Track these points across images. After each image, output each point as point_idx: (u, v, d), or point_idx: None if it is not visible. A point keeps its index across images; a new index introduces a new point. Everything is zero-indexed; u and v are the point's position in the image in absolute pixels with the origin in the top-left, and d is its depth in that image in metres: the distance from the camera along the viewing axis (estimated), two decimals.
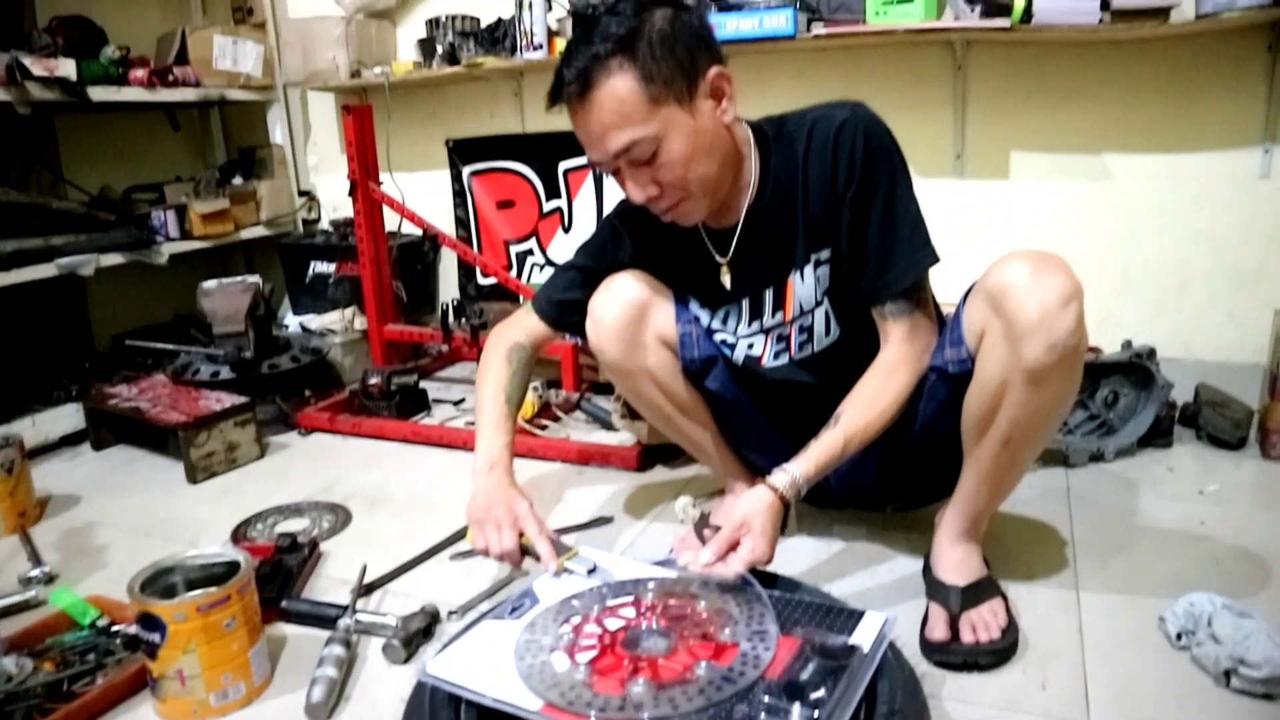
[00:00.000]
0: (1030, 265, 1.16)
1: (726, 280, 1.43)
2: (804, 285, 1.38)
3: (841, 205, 1.30)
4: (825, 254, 1.36)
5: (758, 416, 1.54)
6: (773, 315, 1.43)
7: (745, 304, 1.44)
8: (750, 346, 1.46)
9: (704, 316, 1.49)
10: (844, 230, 1.31)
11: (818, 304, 1.39)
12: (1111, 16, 1.97)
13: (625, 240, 1.50)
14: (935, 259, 1.32)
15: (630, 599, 1.21)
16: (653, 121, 1.21)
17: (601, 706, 0.98)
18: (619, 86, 1.19)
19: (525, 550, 1.36)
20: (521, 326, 1.58)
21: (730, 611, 1.16)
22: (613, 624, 1.16)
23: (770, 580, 1.28)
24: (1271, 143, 2.13)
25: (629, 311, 1.45)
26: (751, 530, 1.23)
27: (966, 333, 1.26)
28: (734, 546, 1.23)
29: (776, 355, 1.45)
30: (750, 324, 1.45)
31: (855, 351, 1.38)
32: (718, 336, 1.49)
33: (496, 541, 1.35)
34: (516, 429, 1.54)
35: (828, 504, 1.70)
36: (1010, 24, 2.04)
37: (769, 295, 1.42)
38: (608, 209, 2.82)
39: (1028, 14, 2.02)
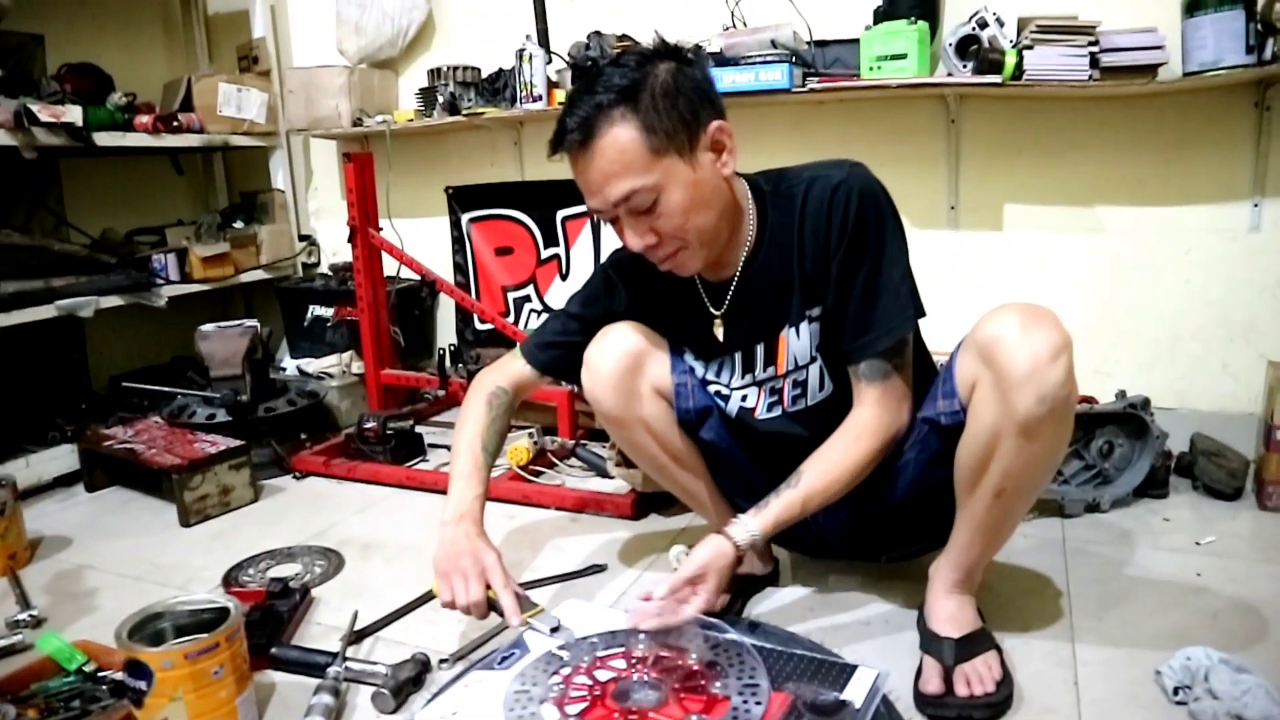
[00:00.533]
0: (1020, 318, 1.17)
1: (719, 333, 1.44)
2: (798, 341, 1.39)
3: (830, 264, 1.32)
4: (817, 311, 1.37)
5: (751, 467, 1.54)
6: (764, 369, 1.43)
7: (738, 357, 1.45)
8: (744, 398, 1.47)
9: (698, 367, 1.50)
10: (831, 289, 1.34)
11: (811, 360, 1.40)
12: (1100, 74, 2.01)
13: (619, 290, 1.51)
14: (912, 325, 1.33)
15: (620, 650, 1.20)
16: (653, 172, 1.23)
17: None
18: (621, 136, 1.21)
19: (491, 604, 1.34)
20: (505, 372, 1.58)
21: (720, 664, 1.15)
22: (603, 675, 1.15)
23: (756, 627, 1.28)
24: (1261, 196, 2.16)
25: (625, 361, 1.45)
26: (706, 582, 1.28)
27: (958, 384, 1.27)
28: (688, 598, 1.28)
29: (770, 408, 1.46)
30: (743, 376, 1.46)
31: (848, 406, 1.38)
32: (712, 387, 1.49)
33: (463, 593, 1.33)
34: (491, 480, 1.53)
35: (823, 554, 1.70)
36: (1002, 80, 2.08)
37: (760, 350, 1.43)
38: (605, 256, 2.86)
39: (1019, 70, 2.06)
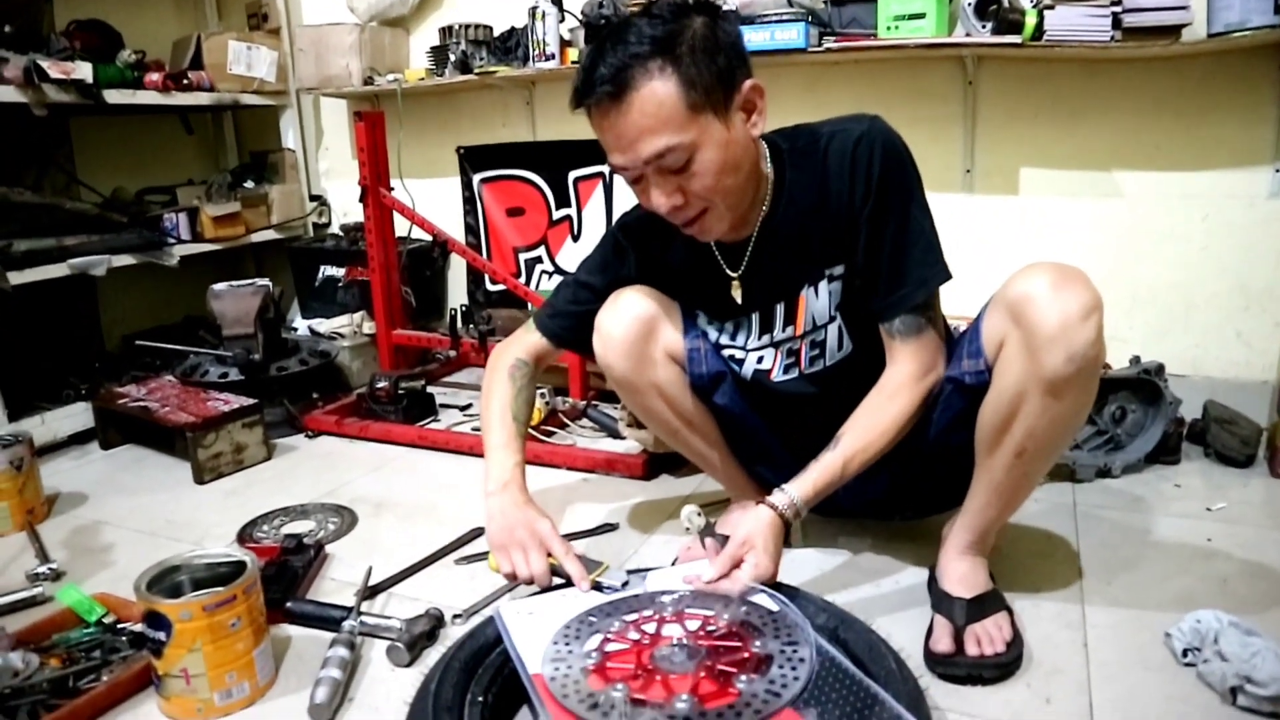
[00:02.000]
0: (1051, 277, 1.16)
1: (737, 295, 1.43)
2: (817, 301, 1.38)
3: (858, 221, 1.30)
4: (839, 269, 1.36)
5: (765, 432, 1.54)
6: (783, 329, 1.42)
7: (755, 318, 1.44)
8: (760, 360, 1.46)
9: (711, 331, 1.49)
10: (860, 247, 1.31)
11: (830, 319, 1.39)
12: (1123, 34, 1.98)
13: (630, 255, 1.50)
14: (947, 275, 1.32)
15: (652, 613, 1.21)
16: (690, 129, 1.18)
17: None
18: (659, 90, 1.16)
19: (555, 571, 1.35)
20: (522, 344, 1.57)
21: (754, 624, 1.16)
22: (639, 638, 1.15)
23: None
24: None
25: (637, 327, 1.44)
26: (754, 548, 1.24)
27: (985, 343, 1.26)
28: (738, 564, 1.24)
29: (786, 369, 1.45)
30: (760, 337, 1.45)
31: (866, 366, 1.38)
32: (726, 351, 1.49)
33: (524, 565, 1.34)
34: (526, 443, 1.53)
35: (836, 513, 1.70)
36: (1021, 40, 2.04)
37: (780, 309, 1.41)
38: (617, 217, 2.85)
39: (1039, 31, 2.02)
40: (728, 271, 1.42)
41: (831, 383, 1.42)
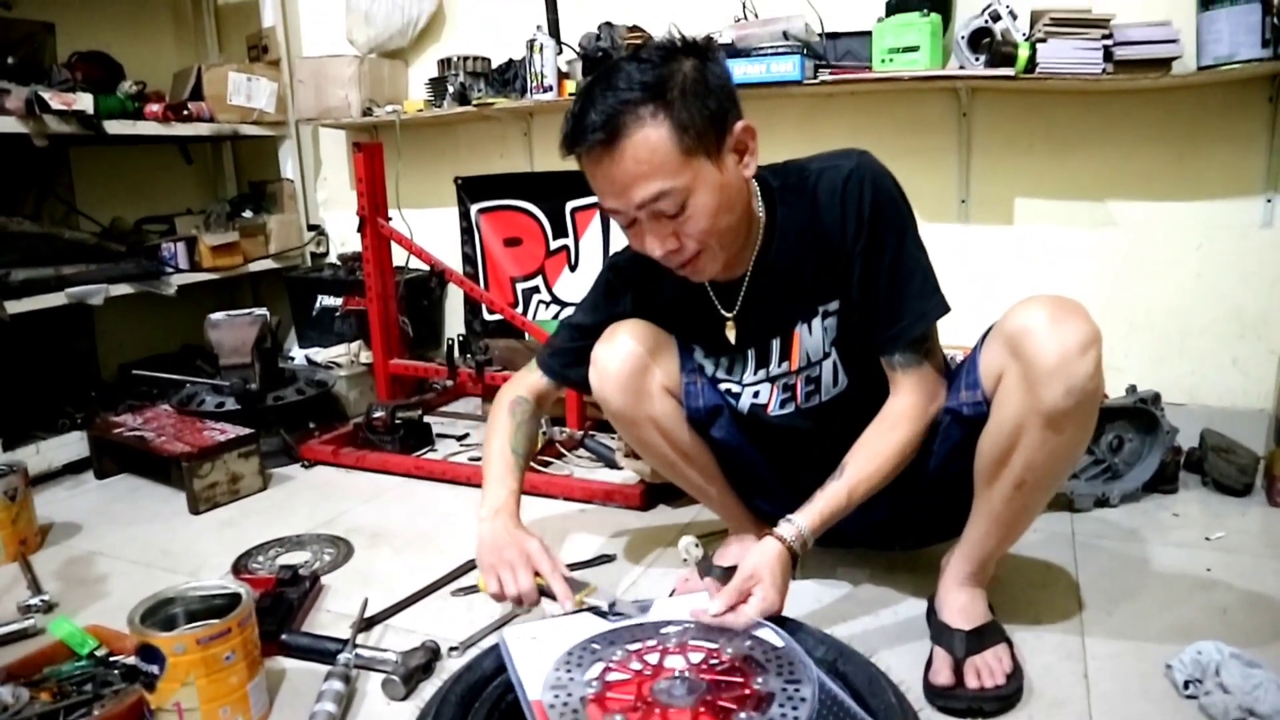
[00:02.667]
0: (1050, 310, 1.16)
1: (731, 335, 1.43)
2: (811, 337, 1.38)
3: (851, 257, 1.30)
4: (834, 305, 1.36)
5: (763, 465, 1.54)
6: (779, 364, 1.42)
7: (751, 354, 1.44)
8: (755, 395, 1.46)
9: (708, 365, 1.48)
10: (855, 282, 1.31)
11: (825, 355, 1.39)
12: (1114, 67, 2.00)
13: (623, 293, 1.50)
14: (946, 309, 1.32)
15: (655, 644, 1.20)
16: (683, 174, 1.18)
17: None
18: (652, 136, 1.16)
19: (542, 590, 1.34)
20: (524, 382, 1.58)
21: (757, 659, 1.14)
22: (642, 668, 1.14)
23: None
24: (1274, 192, 2.15)
25: (633, 361, 1.43)
26: (761, 581, 1.21)
27: (983, 375, 1.27)
28: (745, 598, 1.21)
29: (782, 404, 1.44)
30: (756, 372, 1.44)
31: (863, 401, 1.38)
32: (722, 385, 1.48)
33: (511, 583, 1.32)
34: (524, 478, 1.52)
35: (835, 543, 1.69)
36: (1014, 73, 2.07)
37: (776, 344, 1.41)
38: (614, 248, 2.86)
39: (1032, 63, 2.05)
40: (722, 312, 1.42)
41: (828, 418, 1.42)
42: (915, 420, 1.32)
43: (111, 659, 1.39)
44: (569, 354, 1.54)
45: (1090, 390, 1.14)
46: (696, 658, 1.15)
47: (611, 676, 1.13)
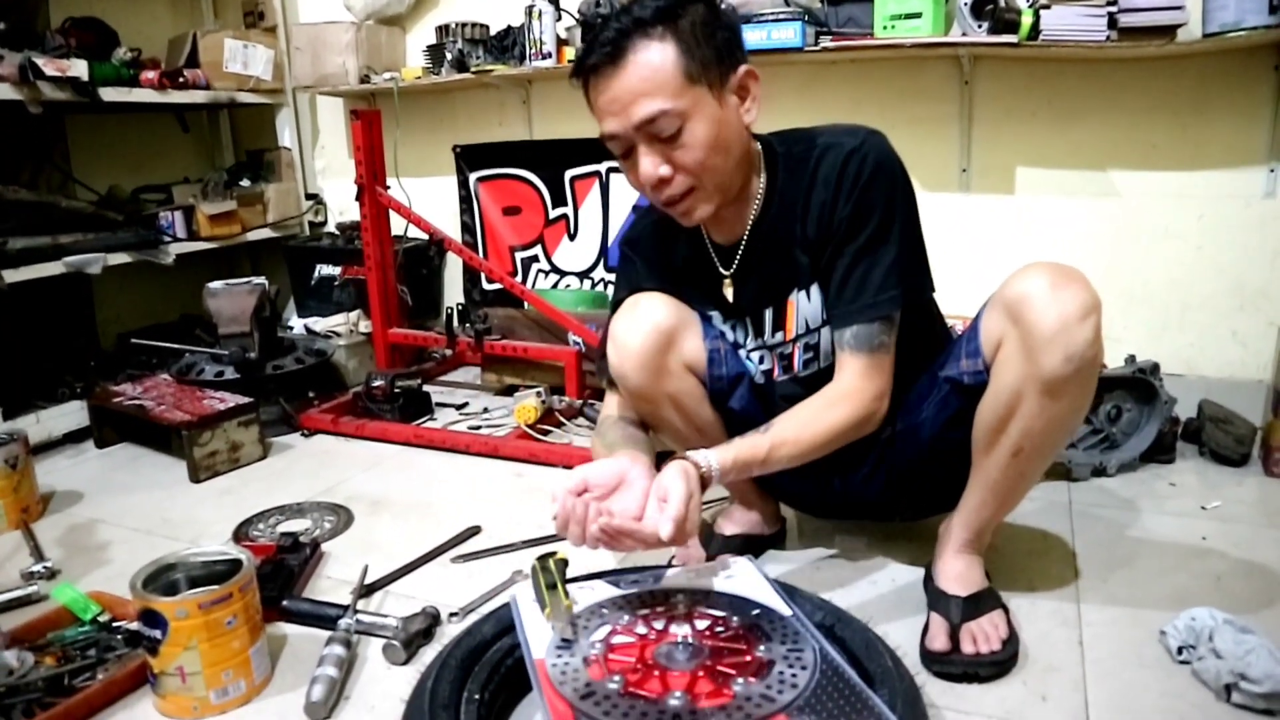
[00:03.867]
0: (1050, 277, 1.16)
1: (729, 294, 1.43)
2: (809, 304, 1.37)
3: (838, 230, 1.29)
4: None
5: None
6: (773, 334, 1.42)
7: (748, 321, 1.44)
8: (761, 360, 1.45)
9: (726, 330, 1.47)
10: (825, 255, 1.31)
11: (824, 323, 1.37)
12: (1118, 34, 1.98)
13: (638, 264, 1.50)
14: (896, 306, 1.28)
15: (663, 610, 1.21)
16: (684, 97, 1.19)
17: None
18: (657, 54, 1.18)
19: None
20: (608, 403, 1.51)
21: (763, 627, 1.15)
22: (646, 633, 1.16)
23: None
24: (1277, 162, 2.14)
25: (655, 338, 1.39)
26: (670, 499, 1.13)
27: (984, 343, 1.26)
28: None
29: (784, 371, 1.44)
30: (755, 339, 1.45)
31: None
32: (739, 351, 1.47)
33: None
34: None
35: (835, 515, 1.70)
36: (1017, 40, 2.05)
37: (769, 314, 1.41)
38: (613, 216, 2.85)
39: (1035, 30, 2.03)
40: (721, 270, 1.42)
41: (826, 382, 1.39)
42: (856, 404, 1.28)
43: (115, 624, 1.40)
44: None
45: (1089, 357, 1.14)
46: (703, 624, 1.16)
47: (617, 640, 1.14)
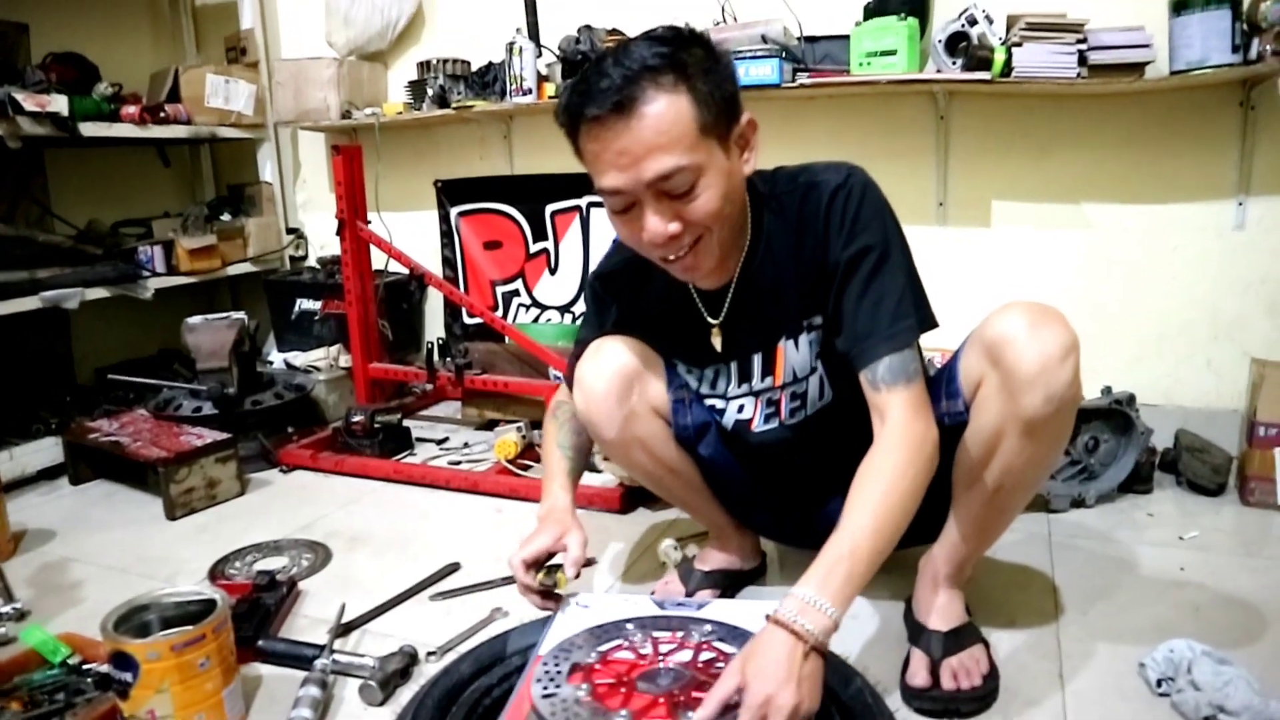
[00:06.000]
0: (1030, 318, 1.16)
1: (717, 342, 1.36)
2: (797, 353, 1.34)
3: (833, 272, 1.23)
4: (818, 319, 1.31)
5: (749, 481, 1.51)
6: (761, 379, 1.38)
7: (734, 366, 1.39)
8: (740, 409, 1.41)
9: (691, 380, 1.44)
10: (832, 291, 1.25)
11: (812, 370, 1.35)
12: (1089, 71, 2.02)
13: (610, 303, 1.45)
14: (933, 322, 1.24)
15: (680, 636, 1.20)
16: (698, 151, 1.12)
17: None
18: (671, 106, 1.09)
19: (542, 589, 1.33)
20: (563, 391, 1.54)
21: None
22: (649, 654, 1.16)
23: None
24: (1245, 195, 2.18)
25: (619, 381, 1.38)
26: (776, 705, 0.95)
27: (963, 384, 1.26)
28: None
29: (767, 419, 1.40)
30: (740, 385, 1.40)
31: (848, 413, 1.32)
32: (707, 400, 1.44)
33: (530, 544, 1.33)
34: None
35: (814, 545, 1.69)
36: (991, 77, 2.08)
37: (758, 360, 1.37)
38: (594, 251, 2.86)
39: (1008, 67, 2.07)
40: (708, 319, 1.36)
41: (814, 431, 1.39)
42: (916, 447, 1.15)
43: (85, 667, 1.37)
44: None
45: (1069, 397, 1.15)
46: (706, 656, 1.16)
47: (618, 654, 1.15)
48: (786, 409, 1.38)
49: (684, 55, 1.11)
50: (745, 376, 1.39)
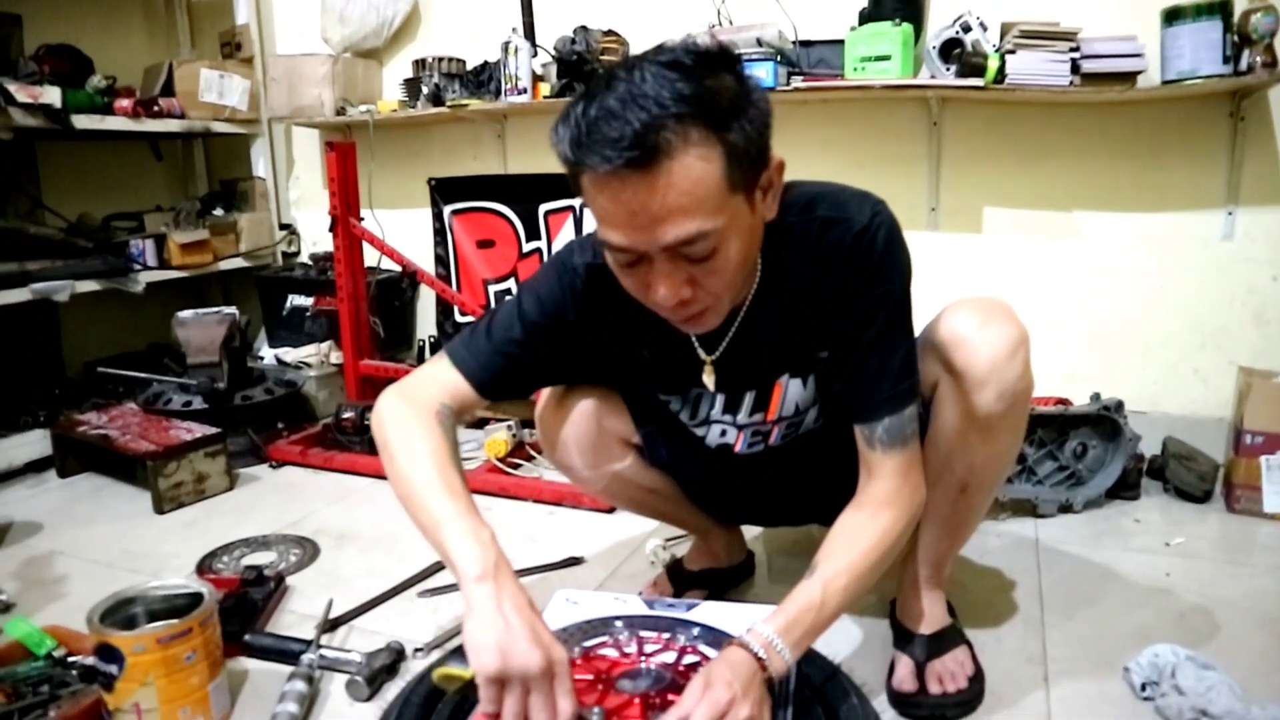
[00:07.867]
0: (978, 317, 1.17)
1: (710, 381, 1.23)
2: (803, 391, 1.26)
3: (847, 311, 1.13)
4: (824, 354, 1.21)
5: (731, 493, 1.50)
6: (749, 415, 1.29)
7: (720, 398, 1.28)
8: (723, 434, 1.34)
9: (672, 403, 1.32)
10: (846, 335, 1.15)
11: (814, 403, 1.29)
12: (1081, 80, 2.04)
13: (578, 307, 1.21)
14: (918, 390, 1.18)
15: (666, 637, 1.21)
16: (724, 213, 0.95)
17: None
18: (700, 163, 0.91)
19: None
20: (442, 385, 1.21)
21: None
22: (632, 653, 1.17)
23: None
24: (1234, 205, 2.19)
25: (591, 431, 1.39)
26: (734, 713, 0.95)
27: (922, 386, 1.24)
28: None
29: (750, 445, 1.35)
30: (724, 414, 1.31)
31: (835, 430, 1.27)
32: (688, 425, 1.36)
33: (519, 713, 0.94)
34: (469, 473, 1.35)
35: (784, 523, 1.72)
36: (984, 84, 2.09)
37: (749, 397, 1.27)
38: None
39: (1001, 75, 2.08)
40: (701, 354, 1.22)
41: (800, 450, 1.36)
42: (901, 511, 1.14)
43: (70, 659, 1.36)
44: (499, 366, 1.21)
45: (1020, 391, 1.17)
46: (690, 660, 1.16)
47: (602, 651, 1.16)
48: (778, 436, 1.33)
49: (713, 93, 0.92)
50: (731, 409, 1.29)
